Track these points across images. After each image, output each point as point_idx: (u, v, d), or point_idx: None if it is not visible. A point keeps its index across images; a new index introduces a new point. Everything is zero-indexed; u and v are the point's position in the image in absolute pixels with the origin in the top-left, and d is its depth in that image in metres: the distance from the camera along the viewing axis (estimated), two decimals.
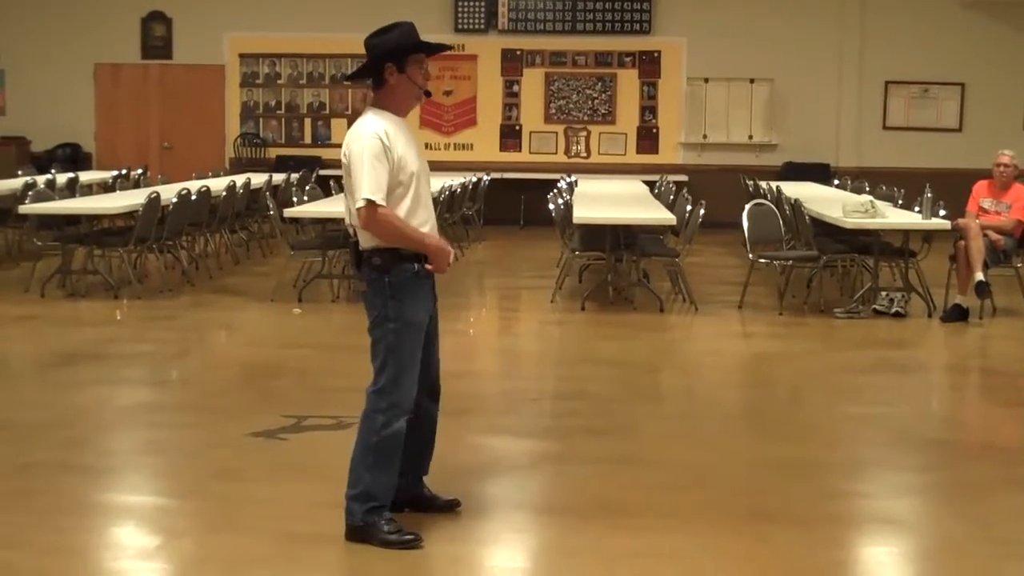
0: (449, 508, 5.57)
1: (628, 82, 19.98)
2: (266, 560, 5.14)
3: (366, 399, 5.23)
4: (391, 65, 5.20)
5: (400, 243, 5.14)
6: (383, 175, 5.06)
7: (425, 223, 5.23)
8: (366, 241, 5.19)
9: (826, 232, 12.22)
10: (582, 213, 11.85)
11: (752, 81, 19.66)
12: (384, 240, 5.13)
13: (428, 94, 5.37)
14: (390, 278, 5.16)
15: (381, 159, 5.06)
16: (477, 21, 19.69)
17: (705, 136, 19.86)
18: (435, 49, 5.35)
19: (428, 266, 5.21)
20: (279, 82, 20.32)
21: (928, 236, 11.80)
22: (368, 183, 5.03)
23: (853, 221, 11.31)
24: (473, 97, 20.05)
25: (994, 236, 11.32)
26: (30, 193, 12.83)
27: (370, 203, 5.03)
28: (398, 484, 5.33)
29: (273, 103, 20.39)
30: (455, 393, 6.78)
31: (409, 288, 5.19)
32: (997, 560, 5.26)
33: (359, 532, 5.22)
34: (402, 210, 5.14)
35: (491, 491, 6.02)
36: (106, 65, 20.31)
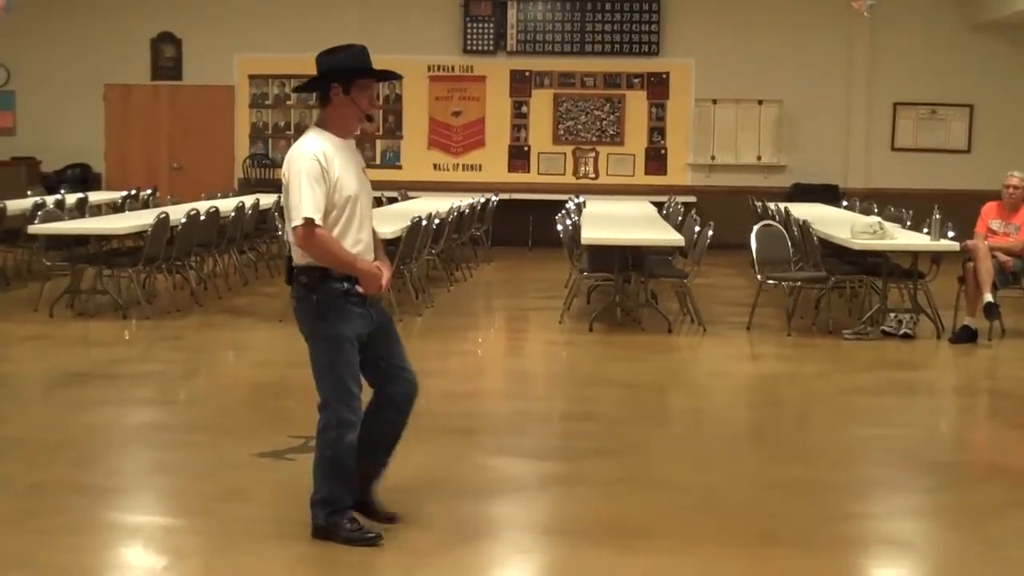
0: (388, 521, 5.58)
1: (636, 103, 20.00)
2: None
3: (318, 413, 5.37)
4: (337, 85, 5.28)
5: (331, 264, 5.24)
6: (320, 196, 5.15)
7: (358, 244, 5.31)
8: (298, 258, 5.30)
9: (834, 253, 12.22)
10: (590, 234, 11.85)
11: (760, 102, 19.68)
12: (317, 260, 5.23)
13: (370, 119, 5.44)
14: (317, 296, 5.28)
15: (319, 180, 5.15)
16: (486, 43, 19.73)
17: (713, 157, 19.86)
18: (382, 76, 5.45)
19: (358, 288, 5.27)
20: (288, 103, 20.38)
21: (937, 257, 11.78)
22: (306, 203, 5.12)
23: (861, 242, 11.30)
24: (482, 118, 20.08)
25: (1003, 257, 11.30)
26: (39, 213, 12.86)
27: (308, 222, 5.12)
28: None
29: (282, 123, 20.44)
30: (463, 413, 6.81)
31: (336, 307, 5.28)
32: None
33: (323, 531, 5.43)
34: (336, 231, 5.23)
35: (498, 512, 6.02)
36: (116, 86, 20.38)
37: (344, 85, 5.27)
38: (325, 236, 5.18)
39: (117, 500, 6.33)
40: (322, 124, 5.35)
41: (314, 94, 5.42)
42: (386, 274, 5.35)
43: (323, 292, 5.26)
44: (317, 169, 5.14)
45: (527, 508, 6.21)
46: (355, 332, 5.31)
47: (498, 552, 5.44)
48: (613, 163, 20.08)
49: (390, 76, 5.57)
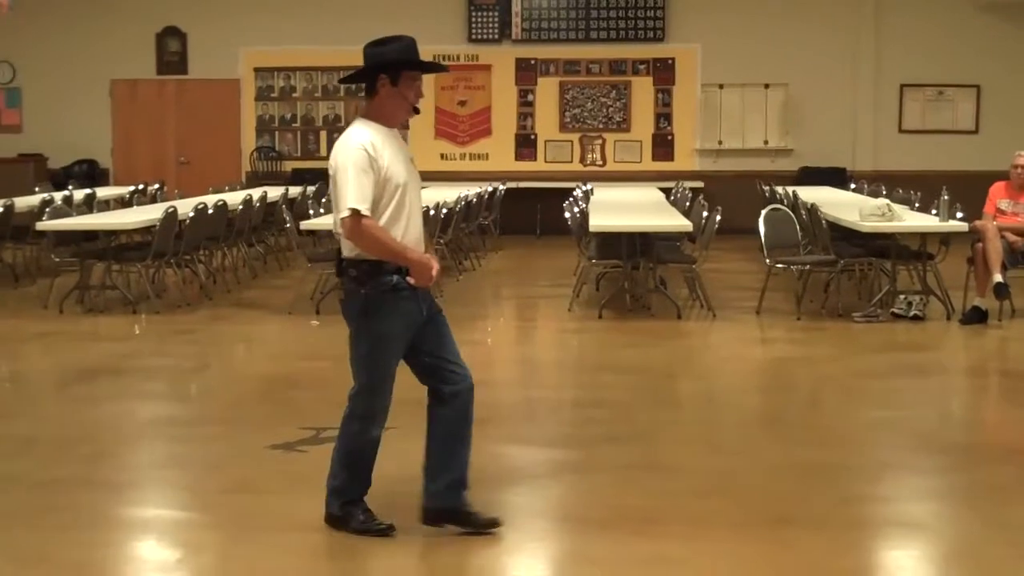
0: (490, 527, 5.45)
1: (642, 89, 19.98)
2: (286, 573, 5.15)
3: (348, 401, 5.36)
4: (385, 77, 5.25)
5: (381, 255, 5.17)
6: (368, 186, 5.10)
7: (409, 235, 5.25)
8: (347, 251, 5.24)
9: (843, 236, 12.20)
10: (598, 221, 11.85)
11: (767, 86, 19.65)
12: (366, 251, 5.17)
13: (417, 111, 5.39)
14: (366, 291, 5.21)
15: (366, 170, 5.10)
16: (491, 31, 19.72)
17: (720, 142, 19.84)
18: (429, 68, 5.44)
19: (409, 279, 5.21)
20: (294, 95, 20.39)
21: (945, 238, 11.76)
22: (353, 193, 5.07)
23: (870, 225, 11.29)
24: (488, 107, 20.07)
25: (1012, 237, 11.28)
26: (48, 210, 12.87)
27: (354, 213, 5.07)
28: (431, 492, 5.40)
29: (288, 116, 20.45)
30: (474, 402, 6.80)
31: (384, 302, 5.21)
32: (1018, 563, 5.25)
33: (336, 520, 5.44)
34: (385, 221, 5.17)
35: (512, 500, 6.02)
36: (122, 81, 20.40)
37: (392, 77, 5.24)
38: (373, 226, 5.11)
39: (131, 494, 6.35)
40: (369, 115, 5.31)
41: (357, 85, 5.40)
42: (436, 265, 5.27)
43: (372, 286, 5.19)
44: (365, 159, 5.10)
45: (540, 496, 6.22)
46: (401, 328, 5.25)
47: (512, 540, 5.44)
48: (620, 150, 20.07)
49: (438, 68, 5.55)
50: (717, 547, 5.39)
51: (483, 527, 5.43)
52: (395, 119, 5.34)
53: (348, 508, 5.40)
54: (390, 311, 5.22)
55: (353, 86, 19.96)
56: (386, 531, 5.38)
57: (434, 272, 5.24)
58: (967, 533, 5.71)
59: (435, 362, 5.36)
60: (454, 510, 5.42)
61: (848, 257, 11.98)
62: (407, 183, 5.24)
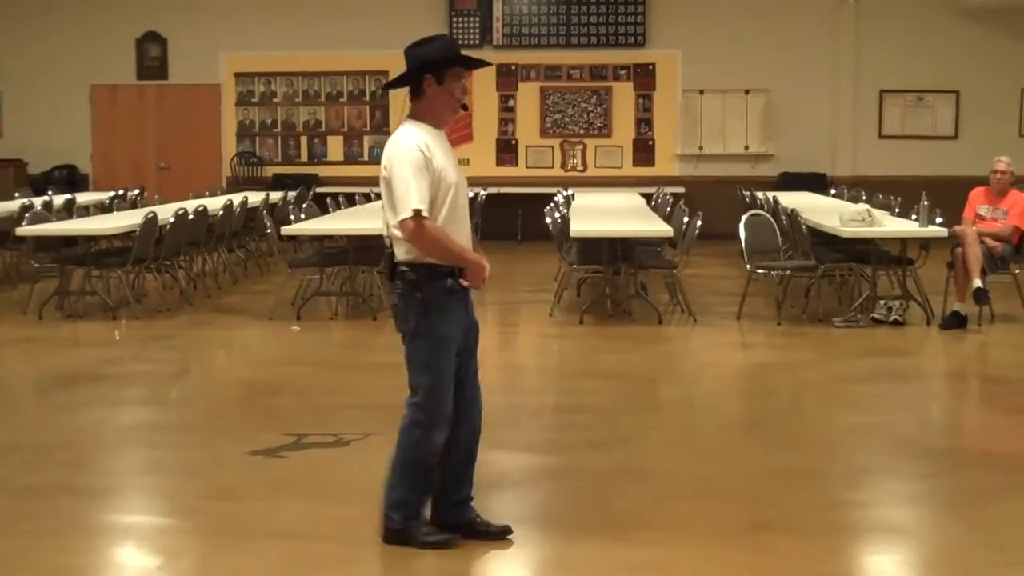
0: (501, 535, 5.47)
1: (623, 95, 20.02)
2: None
3: (405, 410, 5.27)
4: (430, 76, 5.21)
5: (441, 257, 5.13)
6: (425, 187, 5.05)
7: (461, 236, 5.23)
8: (402, 254, 5.17)
9: (823, 241, 12.23)
10: (579, 227, 11.86)
11: (747, 92, 19.70)
12: (427, 253, 5.12)
13: (465, 107, 5.38)
14: (422, 294, 5.16)
15: (423, 171, 5.06)
16: (472, 36, 19.71)
17: (701, 148, 19.89)
18: (474, 64, 5.40)
19: (463, 281, 5.20)
20: (275, 100, 20.36)
21: (926, 244, 11.80)
22: (414, 195, 5.02)
23: (850, 230, 11.32)
24: (468, 112, 20.04)
25: (991, 243, 11.32)
26: (27, 215, 12.84)
27: (417, 214, 5.01)
28: (443, 511, 5.40)
29: (269, 121, 20.42)
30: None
31: (441, 304, 5.18)
32: (999, 567, 5.26)
33: (398, 536, 5.32)
34: (441, 223, 5.13)
35: (492, 506, 6.00)
36: (102, 86, 20.35)
37: (437, 75, 5.21)
38: (435, 227, 5.07)
39: (111, 501, 6.33)
40: (416, 116, 5.26)
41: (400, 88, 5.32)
42: (487, 266, 5.25)
43: (429, 289, 5.15)
44: (421, 160, 5.06)
45: (520, 501, 6.21)
46: (457, 331, 5.24)
47: (492, 546, 5.43)
48: (601, 155, 20.09)
49: (481, 64, 5.50)
50: (698, 552, 5.39)
51: (496, 536, 5.46)
52: (443, 118, 5.31)
53: (411, 522, 5.30)
54: (448, 314, 5.21)
55: (348, 93, 20.19)
56: (449, 543, 5.31)
57: (487, 273, 5.25)
58: (947, 537, 5.72)
59: (457, 380, 5.34)
60: (463, 525, 5.44)
61: (828, 262, 12.01)
62: (458, 184, 5.23)
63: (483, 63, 5.56)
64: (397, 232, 5.12)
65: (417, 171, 5.04)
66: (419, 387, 5.22)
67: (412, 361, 5.24)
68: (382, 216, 5.26)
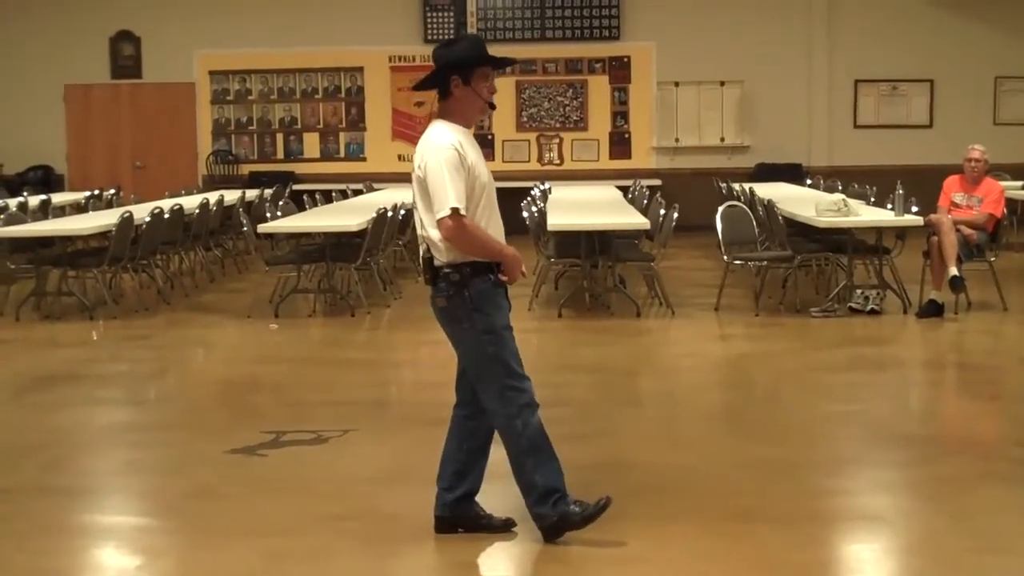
0: (505, 528, 5.51)
1: (599, 88, 20.02)
2: None
3: (491, 418, 5.31)
4: (457, 77, 5.24)
5: (480, 254, 5.18)
6: (462, 185, 5.10)
7: (497, 231, 5.30)
8: (443, 256, 5.19)
9: (800, 232, 12.26)
10: (556, 220, 11.87)
11: (722, 84, 19.72)
12: (465, 251, 5.15)
13: (492, 107, 5.41)
14: (470, 292, 5.20)
15: (459, 169, 5.10)
16: (446, 31, 19.66)
17: (677, 140, 19.90)
18: (501, 63, 5.39)
19: (502, 276, 5.25)
20: (250, 98, 20.29)
21: (901, 233, 11.83)
22: (452, 193, 5.06)
23: (826, 220, 11.35)
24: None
25: (967, 231, 11.36)
26: (2, 216, 12.77)
27: (456, 212, 5.04)
28: (446, 502, 5.43)
29: (245, 119, 20.35)
30: (434, 403, 6.79)
31: (490, 297, 5.24)
32: (976, 553, 5.29)
33: (557, 528, 5.32)
34: (477, 220, 5.17)
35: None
36: (76, 86, 20.25)
37: (464, 76, 5.23)
38: (473, 225, 5.12)
39: (89, 501, 6.32)
40: (445, 116, 5.29)
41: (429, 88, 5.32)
42: (522, 260, 5.32)
43: (475, 287, 5.19)
44: (456, 158, 5.09)
45: (502, 495, 6.20)
46: (508, 319, 5.31)
47: (476, 540, 5.44)
48: (577, 148, 20.10)
49: (508, 62, 5.50)
50: (678, 542, 5.41)
51: (499, 529, 5.49)
52: (471, 118, 5.34)
53: (560, 508, 5.29)
54: (498, 305, 5.28)
55: (323, 89, 20.17)
56: (606, 505, 5.32)
57: (524, 267, 5.32)
58: (926, 525, 5.75)
59: (464, 382, 5.39)
60: (467, 518, 5.47)
61: (805, 252, 12.04)
62: (489, 181, 5.28)
63: (510, 61, 5.55)
64: (434, 232, 5.15)
65: (453, 170, 5.08)
66: (494, 382, 5.24)
67: (478, 360, 5.27)
68: (416, 217, 5.27)
